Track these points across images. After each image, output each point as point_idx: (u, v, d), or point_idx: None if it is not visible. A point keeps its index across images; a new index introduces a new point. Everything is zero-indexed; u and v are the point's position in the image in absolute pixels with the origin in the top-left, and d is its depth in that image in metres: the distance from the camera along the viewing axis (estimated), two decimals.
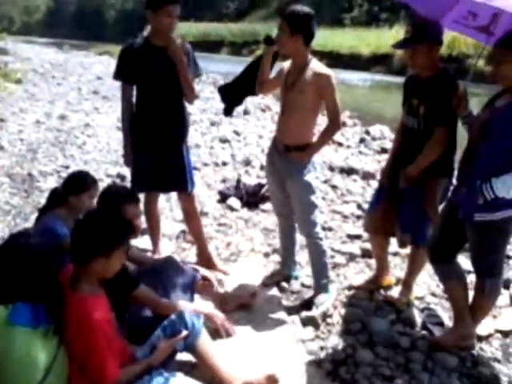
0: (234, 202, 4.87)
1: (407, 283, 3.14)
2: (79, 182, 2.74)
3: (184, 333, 2.20)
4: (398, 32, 28.48)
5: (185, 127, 3.29)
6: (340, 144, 7.87)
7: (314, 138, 2.96)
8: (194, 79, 3.16)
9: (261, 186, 4.97)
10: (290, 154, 2.96)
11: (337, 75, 2.97)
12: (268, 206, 4.88)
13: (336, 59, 23.75)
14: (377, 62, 25.84)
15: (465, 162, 2.48)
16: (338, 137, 7.65)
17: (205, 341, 2.29)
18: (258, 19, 43.27)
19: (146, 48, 3.05)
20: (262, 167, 6.26)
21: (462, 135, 2.72)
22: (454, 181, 2.68)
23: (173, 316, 2.27)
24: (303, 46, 2.81)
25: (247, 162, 6.47)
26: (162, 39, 3.01)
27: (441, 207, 2.84)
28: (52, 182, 5.23)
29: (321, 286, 3.08)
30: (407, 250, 3.71)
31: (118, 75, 3.16)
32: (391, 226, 3.01)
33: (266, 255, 3.83)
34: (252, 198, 4.89)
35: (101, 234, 1.96)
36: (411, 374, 2.50)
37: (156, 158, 3.20)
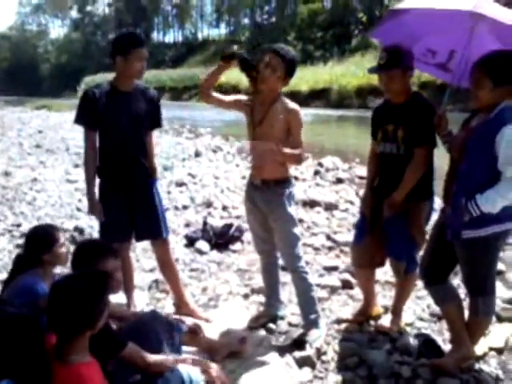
0: (202, 245, 4.71)
1: (396, 311, 3.08)
2: (43, 238, 2.51)
3: None
4: (331, 68, 29.82)
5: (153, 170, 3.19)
6: (296, 178, 7.93)
7: (289, 171, 2.96)
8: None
9: (229, 226, 4.86)
10: (268, 187, 2.90)
11: None
12: (238, 246, 4.77)
13: None
14: (315, 97, 26.83)
15: (449, 181, 2.50)
16: (293, 171, 7.69)
17: None
18: (196, 64, 43.99)
19: (112, 93, 2.97)
20: (224, 208, 6.16)
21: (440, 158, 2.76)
22: (439, 202, 2.69)
23: (167, 373, 2.11)
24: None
25: (208, 204, 6.34)
26: (129, 84, 2.97)
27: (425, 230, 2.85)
28: (4, 243, 4.89)
29: (311, 321, 2.97)
30: (389, 277, 3.69)
31: (80, 121, 3.02)
32: (378, 257, 2.98)
33: (246, 297, 3.69)
34: (221, 239, 4.76)
35: (85, 309, 1.79)
36: None
37: (127, 201, 3.07)
